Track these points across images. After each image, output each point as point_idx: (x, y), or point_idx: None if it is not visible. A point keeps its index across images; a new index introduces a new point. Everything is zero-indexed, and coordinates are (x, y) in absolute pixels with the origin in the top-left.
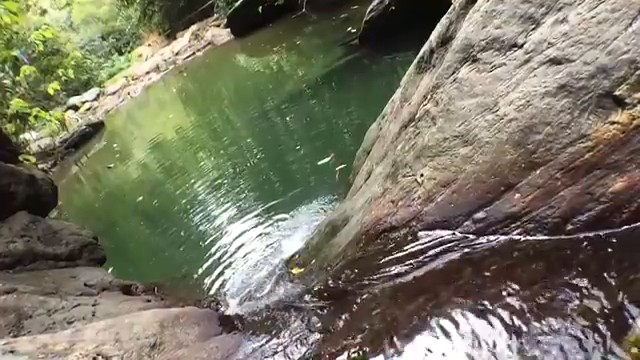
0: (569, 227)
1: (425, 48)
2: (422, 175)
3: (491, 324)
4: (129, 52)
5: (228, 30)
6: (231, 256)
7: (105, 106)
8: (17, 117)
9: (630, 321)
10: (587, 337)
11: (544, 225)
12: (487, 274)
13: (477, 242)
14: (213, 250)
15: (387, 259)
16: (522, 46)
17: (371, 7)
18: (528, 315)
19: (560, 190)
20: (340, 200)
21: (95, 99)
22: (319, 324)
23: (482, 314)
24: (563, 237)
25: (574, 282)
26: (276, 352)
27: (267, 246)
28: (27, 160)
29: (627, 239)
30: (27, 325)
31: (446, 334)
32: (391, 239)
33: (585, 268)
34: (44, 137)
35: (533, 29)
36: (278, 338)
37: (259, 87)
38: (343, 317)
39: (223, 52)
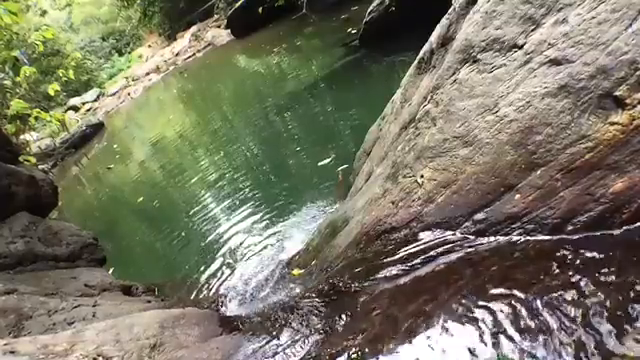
0: (569, 228)
1: (425, 49)
2: (422, 176)
3: (491, 325)
4: (129, 53)
5: (228, 31)
6: (231, 257)
7: (105, 107)
8: (17, 118)
9: (630, 321)
10: (587, 338)
11: (544, 226)
12: (487, 275)
13: (477, 243)
14: (213, 251)
15: (387, 260)
16: (522, 47)
17: (371, 8)
18: (528, 315)
19: (560, 191)
20: (340, 201)
21: (95, 100)
22: (319, 325)
23: (482, 315)
24: (563, 238)
25: (574, 282)
26: (276, 353)
27: (267, 247)
28: (27, 161)
29: (627, 239)
30: (27, 326)
31: (446, 335)
32: (391, 240)
33: (585, 268)
34: (44, 138)
35: (533, 30)
36: (278, 339)
37: (259, 88)
38: (343, 318)
39: (223, 53)
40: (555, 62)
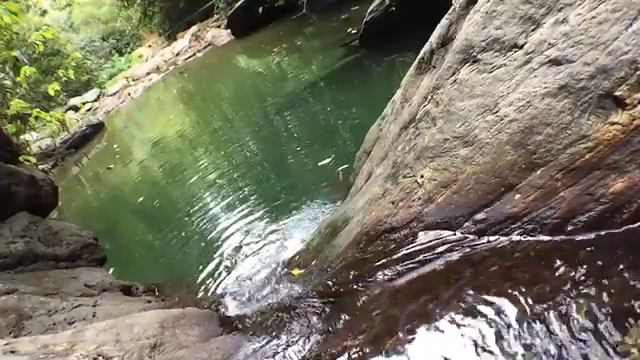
0: (569, 228)
1: (425, 49)
2: (422, 176)
3: (492, 325)
4: (129, 53)
5: (228, 31)
6: (231, 257)
7: (105, 107)
8: (17, 118)
9: (630, 321)
10: (587, 338)
11: (544, 226)
12: (487, 275)
13: (477, 243)
14: (213, 251)
15: (387, 260)
16: (522, 47)
17: (371, 8)
18: (528, 316)
19: (560, 191)
20: (340, 201)
21: (95, 100)
22: (320, 325)
23: (483, 315)
24: (563, 238)
25: (574, 282)
26: (276, 353)
27: (268, 247)
28: (27, 161)
29: (627, 239)
30: (28, 325)
31: (446, 335)
32: (391, 240)
33: (585, 269)
34: (44, 138)
35: (533, 30)
36: (278, 339)
37: (259, 88)
38: (344, 318)
39: (223, 53)
40: (555, 62)
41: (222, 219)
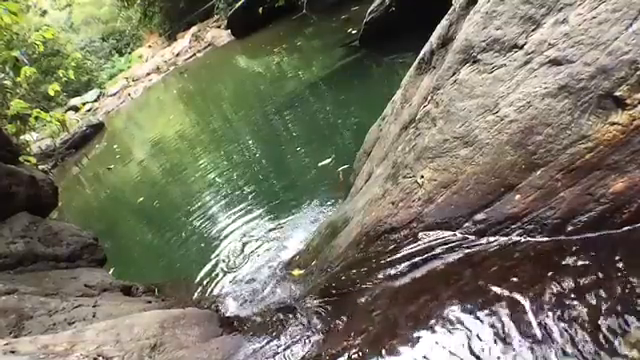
0: (569, 228)
1: (425, 49)
2: (422, 176)
3: (491, 325)
4: (129, 53)
5: (228, 31)
6: (231, 257)
7: (105, 107)
8: (17, 118)
9: (630, 322)
10: (587, 338)
11: (544, 226)
12: (487, 275)
13: (477, 243)
14: (213, 251)
15: (387, 260)
16: (522, 47)
17: (371, 8)
18: (528, 316)
19: (560, 191)
20: (340, 201)
21: (95, 100)
22: (320, 325)
23: (482, 315)
24: (563, 238)
25: (574, 283)
26: (276, 353)
27: (268, 247)
28: (27, 161)
29: (627, 240)
30: (28, 326)
31: (446, 335)
32: (391, 240)
33: (585, 269)
34: (45, 138)
35: (533, 30)
36: (278, 339)
37: (259, 88)
38: (343, 318)
39: (223, 53)
40: (555, 62)
41: (222, 219)
